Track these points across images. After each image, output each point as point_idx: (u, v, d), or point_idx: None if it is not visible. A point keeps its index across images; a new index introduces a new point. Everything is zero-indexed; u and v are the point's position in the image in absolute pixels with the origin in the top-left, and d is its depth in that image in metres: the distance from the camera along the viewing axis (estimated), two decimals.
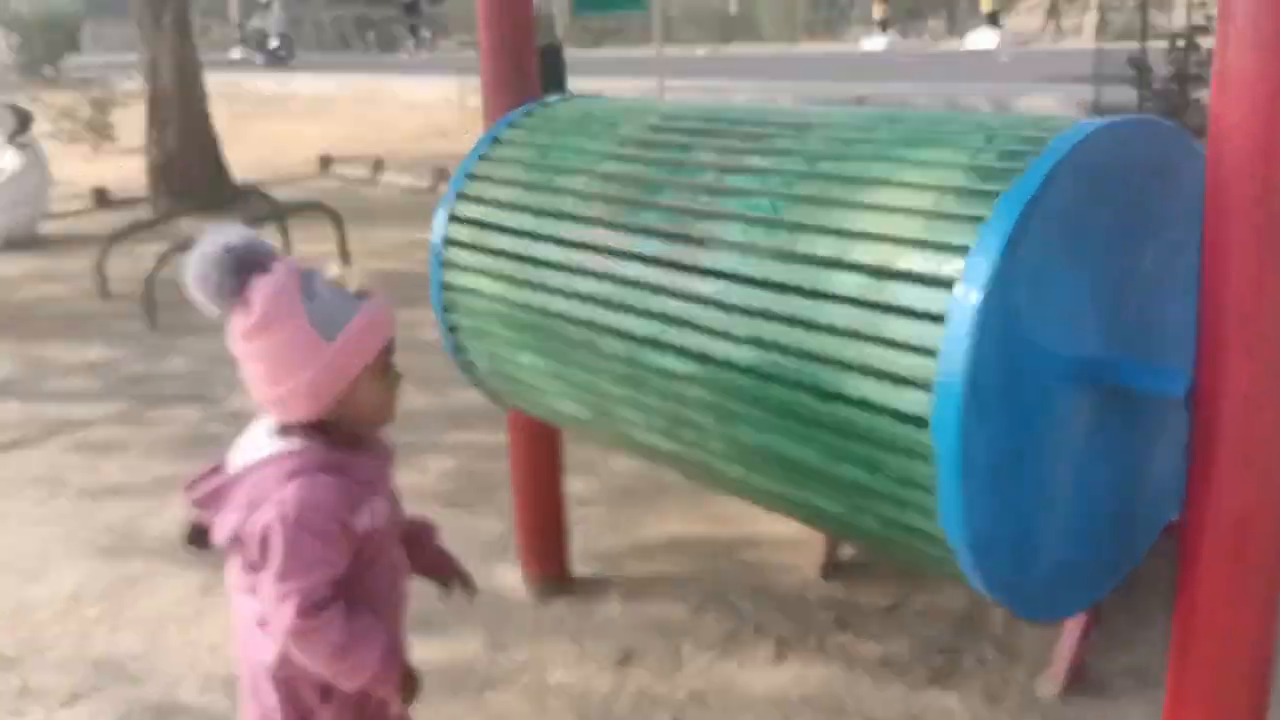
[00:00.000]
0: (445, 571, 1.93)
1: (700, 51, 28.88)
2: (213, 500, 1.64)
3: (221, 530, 1.62)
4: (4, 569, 3.32)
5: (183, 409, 4.69)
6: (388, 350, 1.65)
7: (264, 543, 1.56)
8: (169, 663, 2.78)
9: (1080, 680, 2.52)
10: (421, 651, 2.75)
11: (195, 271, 1.57)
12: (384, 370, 1.65)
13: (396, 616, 1.76)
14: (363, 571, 1.65)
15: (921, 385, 1.51)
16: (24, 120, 8.52)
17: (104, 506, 3.75)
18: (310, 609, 1.54)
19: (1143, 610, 2.79)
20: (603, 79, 14.22)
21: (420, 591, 3.01)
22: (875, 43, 26.30)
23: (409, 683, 1.69)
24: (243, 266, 1.56)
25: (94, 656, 2.84)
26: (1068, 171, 1.51)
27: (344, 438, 1.66)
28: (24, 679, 2.75)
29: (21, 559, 3.39)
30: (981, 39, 24.47)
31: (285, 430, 1.65)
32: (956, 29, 29.53)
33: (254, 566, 1.59)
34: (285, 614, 1.54)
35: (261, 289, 1.56)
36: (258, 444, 1.66)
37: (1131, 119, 1.68)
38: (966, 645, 2.71)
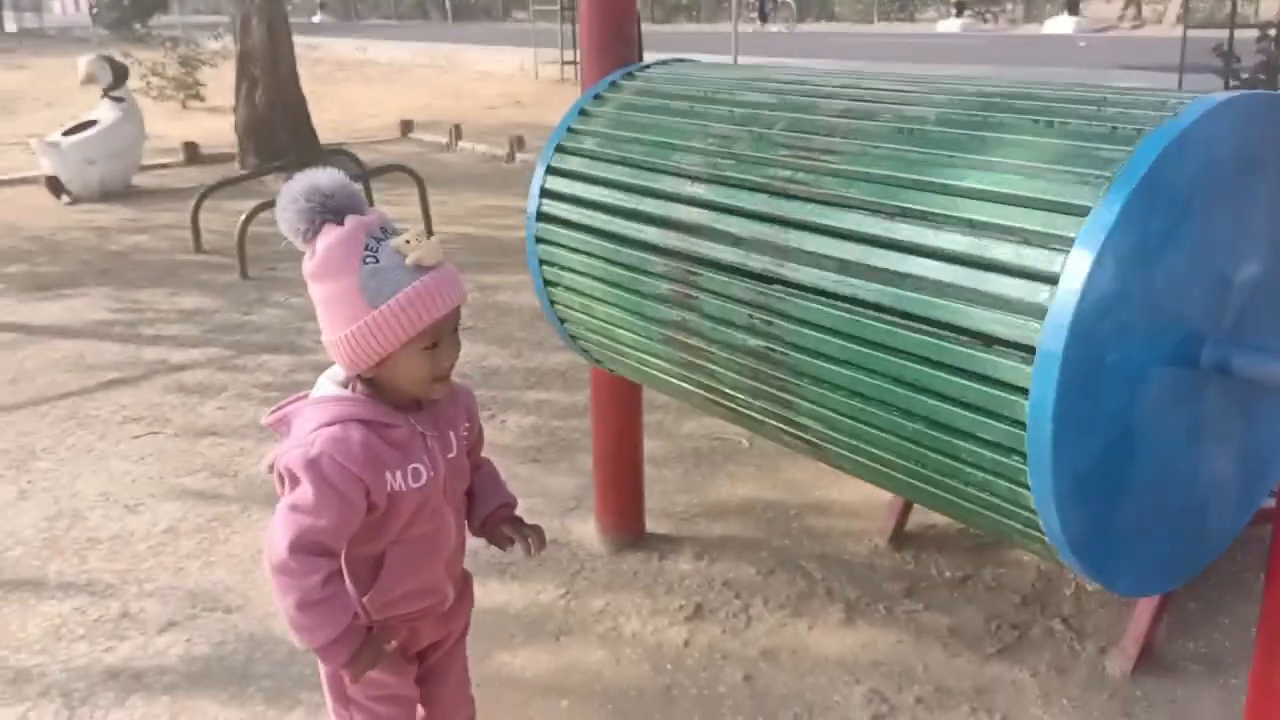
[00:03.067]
0: (502, 544, 1.91)
1: (774, 29, 28.59)
2: (279, 426, 1.70)
3: (267, 459, 1.68)
4: (105, 502, 3.50)
5: (273, 357, 4.87)
6: (439, 327, 1.62)
7: (285, 478, 1.62)
8: (261, 596, 2.91)
9: (1150, 660, 2.54)
10: (501, 596, 2.89)
11: (280, 204, 1.61)
12: (434, 346, 1.63)
13: (434, 571, 1.78)
14: (395, 526, 1.68)
15: (1023, 349, 1.52)
16: (120, 74, 8.77)
17: (200, 446, 3.92)
18: (301, 549, 1.56)
19: (1215, 596, 2.80)
20: (677, 55, 14.12)
21: None
22: (950, 25, 25.87)
23: (360, 660, 1.65)
24: (317, 212, 1.58)
25: (189, 587, 2.98)
26: (1188, 143, 1.49)
27: (398, 398, 1.68)
28: (124, 606, 2.90)
29: (121, 492, 3.56)
30: (1059, 24, 23.92)
31: (348, 377, 1.69)
32: (1034, 13, 28.90)
33: (280, 498, 1.64)
34: (278, 544, 1.57)
35: (326, 239, 1.57)
36: (322, 384, 1.72)
37: (1254, 94, 1.66)
38: (1035, 620, 2.74)
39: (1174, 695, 2.45)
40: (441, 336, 1.64)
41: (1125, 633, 2.58)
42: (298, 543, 1.57)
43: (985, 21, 28.48)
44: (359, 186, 1.67)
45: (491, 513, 1.90)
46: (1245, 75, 6.20)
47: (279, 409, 1.71)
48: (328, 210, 1.58)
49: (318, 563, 1.58)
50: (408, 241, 1.59)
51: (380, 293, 1.56)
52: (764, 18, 29.45)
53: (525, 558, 1.89)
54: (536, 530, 1.89)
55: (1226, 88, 6.09)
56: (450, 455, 1.75)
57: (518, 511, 1.93)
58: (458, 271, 1.65)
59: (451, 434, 1.77)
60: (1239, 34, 6.37)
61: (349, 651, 1.63)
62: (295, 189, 1.58)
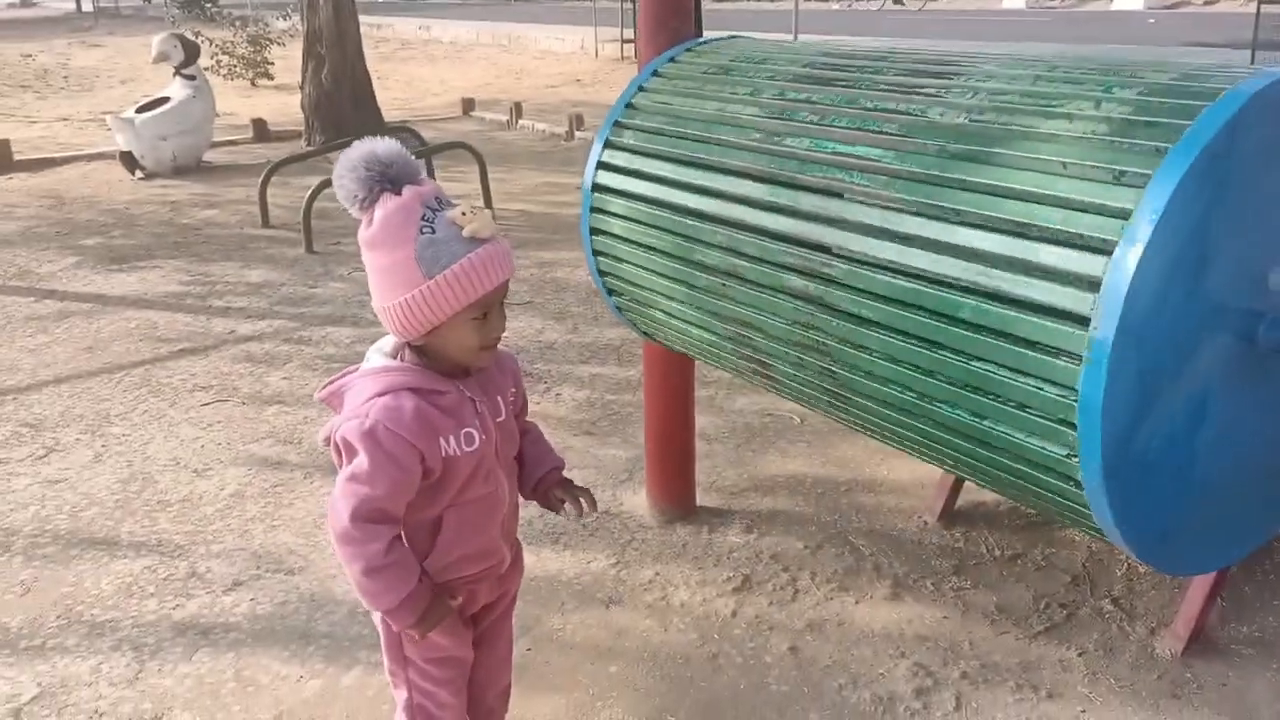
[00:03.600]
0: (555, 507, 1.96)
1: (835, 6, 28.23)
2: (332, 400, 1.75)
3: (323, 431, 1.73)
4: (174, 465, 3.63)
5: (337, 329, 4.98)
6: (490, 299, 1.64)
7: (342, 449, 1.66)
8: (322, 559, 3.01)
9: (1201, 643, 2.52)
10: (554, 564, 2.95)
11: (338, 171, 1.63)
12: (483, 317, 1.65)
13: (490, 533, 1.83)
14: (451, 490, 1.72)
15: (1077, 320, 1.52)
16: (192, 52, 8.97)
17: (266, 414, 4.04)
18: (362, 517, 1.62)
19: (1270, 580, 2.76)
20: (735, 32, 14.06)
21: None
22: (1016, 2, 25.37)
23: (430, 618, 1.71)
24: (375, 180, 1.60)
25: (254, 549, 3.09)
26: (1259, 107, 1.48)
27: (447, 365, 1.71)
28: (192, 565, 3.01)
29: (190, 457, 3.69)
30: (1129, 0, 23.33)
31: (397, 347, 1.74)
32: None
33: (339, 469, 1.69)
34: (340, 514, 1.62)
35: (383, 208, 1.59)
36: (372, 356, 1.76)
37: None
38: (1084, 599, 2.73)
39: (1225, 678, 2.43)
40: (491, 308, 1.67)
41: (1176, 614, 2.56)
42: (359, 512, 1.62)
43: None
44: (416, 158, 1.70)
45: (543, 476, 1.95)
46: None
47: (331, 383, 1.76)
48: (386, 179, 1.61)
49: (379, 530, 1.64)
50: (464, 214, 1.62)
51: (436, 262, 1.59)
52: None
53: (577, 521, 1.93)
54: (586, 493, 1.93)
55: None
56: (500, 419, 1.80)
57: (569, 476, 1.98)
58: (509, 245, 1.69)
59: (499, 399, 1.81)
60: None
61: (417, 612, 1.69)
62: (354, 156, 1.61)
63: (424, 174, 1.68)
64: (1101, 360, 1.48)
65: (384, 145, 1.63)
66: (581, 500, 1.93)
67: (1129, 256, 1.46)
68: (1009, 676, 2.46)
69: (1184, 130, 1.49)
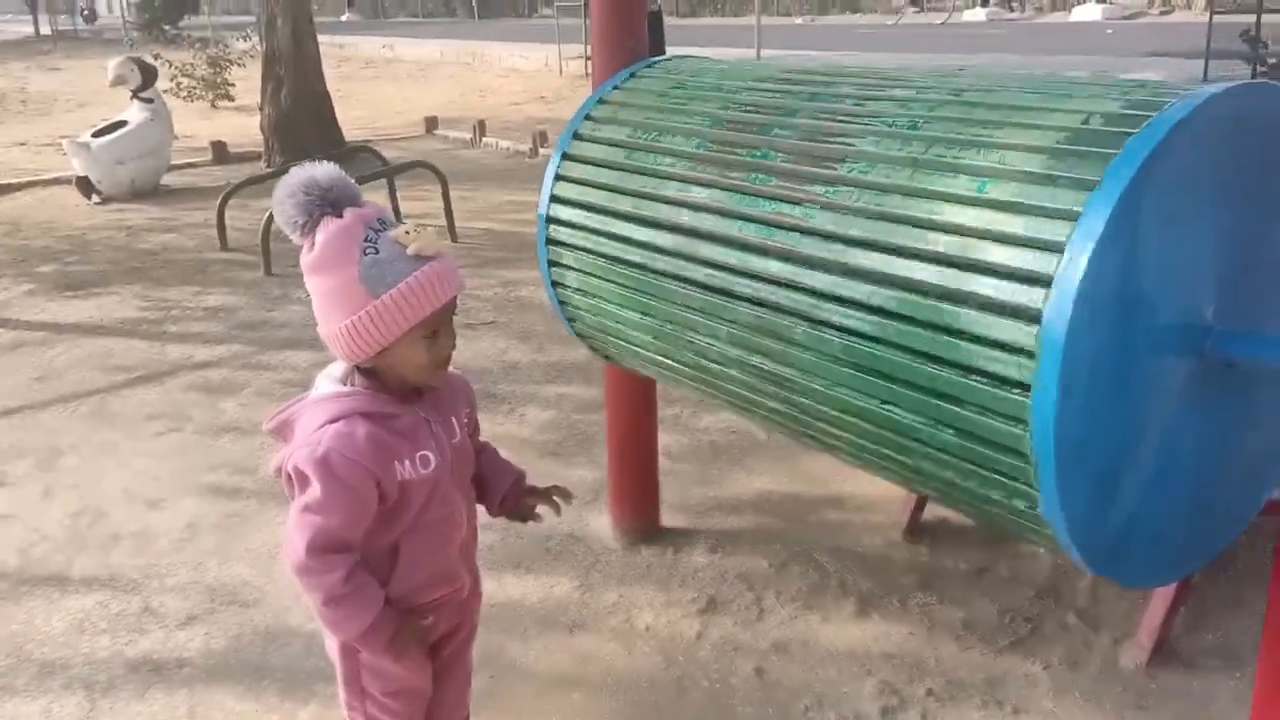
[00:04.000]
0: (526, 516, 1.96)
1: (798, 21, 28.47)
2: (282, 430, 1.72)
3: (274, 462, 1.70)
4: (127, 498, 3.55)
5: (295, 353, 4.92)
6: (439, 317, 1.63)
7: (294, 479, 1.63)
8: (278, 591, 2.95)
9: (1165, 654, 2.52)
10: (516, 590, 2.91)
11: (277, 197, 1.62)
12: (433, 335, 1.64)
13: (449, 556, 1.80)
14: (408, 515, 1.70)
15: (1023, 351, 1.51)
16: (150, 75, 8.87)
17: (222, 442, 3.97)
18: (318, 548, 1.59)
19: (1233, 589, 2.77)
20: (699, 48, 14.14)
21: (514, 533, 3.16)
22: (976, 14, 25.73)
23: (400, 640, 1.69)
24: (315, 205, 1.59)
25: (209, 582, 3.03)
26: (1185, 134, 1.47)
27: (399, 387, 1.69)
28: (145, 601, 2.95)
29: (143, 489, 3.61)
30: (1087, 11, 23.74)
31: (346, 372, 1.72)
32: (1062, 1, 28.65)
33: (291, 499, 1.66)
34: (296, 546, 1.59)
35: (325, 231, 1.58)
36: (321, 384, 1.73)
37: (1255, 84, 1.64)
38: (1049, 613, 2.72)
39: (1189, 688, 2.43)
40: (441, 325, 1.65)
41: (1140, 625, 2.55)
42: (314, 543, 1.59)
43: (1011, 10, 28.20)
44: (378, 178, 1.68)
45: (508, 490, 1.93)
46: (1273, 60, 6.10)
47: (279, 413, 1.72)
48: (325, 203, 1.59)
49: (337, 559, 1.61)
50: (408, 232, 1.61)
51: (381, 282, 1.57)
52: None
53: (558, 516, 1.93)
54: (557, 489, 1.94)
55: (1254, 74, 5.99)
56: (455, 440, 1.78)
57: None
58: (455, 262, 1.67)
59: (454, 419, 1.79)
60: (1267, 19, 6.25)
61: (385, 637, 1.66)
62: (292, 182, 1.60)
63: (363, 197, 1.66)
64: (1049, 387, 1.47)
65: (322, 169, 1.61)
66: (555, 498, 1.93)
67: (1070, 282, 1.45)
68: (975, 693, 2.44)
69: (1112, 159, 1.49)
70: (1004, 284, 1.55)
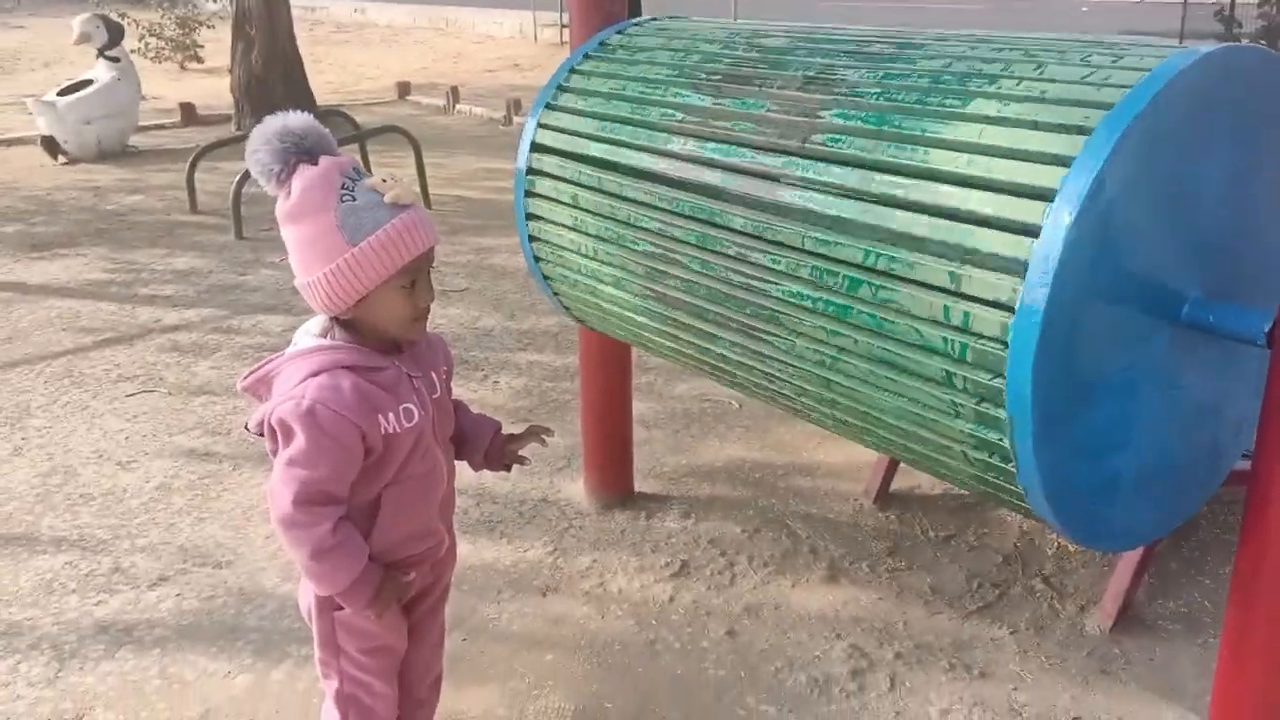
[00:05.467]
0: (508, 462, 1.98)
1: None
2: (258, 388, 1.71)
3: (255, 417, 1.69)
4: (98, 458, 3.52)
5: (268, 317, 4.88)
6: (417, 266, 1.63)
7: (278, 433, 1.63)
8: (252, 552, 2.94)
9: (1129, 619, 2.57)
10: (490, 553, 2.92)
11: (251, 145, 1.60)
12: (411, 285, 1.64)
13: (429, 512, 1.81)
14: (391, 468, 1.70)
15: (1003, 307, 1.53)
16: (116, 33, 8.71)
17: (194, 404, 3.94)
18: (305, 500, 1.59)
19: (1195, 557, 2.82)
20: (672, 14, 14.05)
21: (488, 498, 3.17)
22: None
23: (383, 595, 1.69)
24: (291, 152, 1.58)
25: (180, 543, 3.01)
26: (1171, 95, 1.47)
27: (378, 341, 1.69)
28: (115, 561, 2.93)
29: (114, 449, 3.58)
30: None
31: (326, 327, 1.71)
32: None
33: (275, 455, 1.65)
34: (282, 500, 1.59)
35: (301, 178, 1.58)
36: (300, 339, 1.73)
37: (1244, 48, 1.64)
38: (1016, 579, 2.76)
39: (1152, 654, 2.48)
40: (419, 275, 1.65)
41: (1105, 591, 2.60)
42: (301, 495, 1.59)
43: None
44: (349, 142, 1.68)
45: (490, 441, 1.95)
46: (1246, 40, 6.15)
47: (255, 371, 1.71)
48: (301, 150, 1.58)
49: (324, 512, 1.61)
50: (384, 180, 1.61)
51: (360, 229, 1.57)
52: None
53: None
54: (535, 427, 1.99)
55: None
56: (435, 395, 1.79)
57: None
58: (429, 214, 1.67)
59: (434, 374, 1.80)
60: None
61: (370, 590, 1.67)
62: (268, 130, 1.59)
63: (337, 146, 1.65)
64: (1029, 338, 1.48)
65: (296, 118, 1.60)
66: (540, 436, 1.98)
67: (1055, 237, 1.46)
68: (942, 656, 2.48)
69: (1106, 111, 1.50)
70: (988, 233, 1.55)
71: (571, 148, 2.38)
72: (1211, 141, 1.63)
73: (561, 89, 2.49)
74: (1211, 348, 1.77)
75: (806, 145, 1.87)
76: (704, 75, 2.18)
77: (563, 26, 16.51)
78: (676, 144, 2.11)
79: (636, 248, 2.20)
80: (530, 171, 2.49)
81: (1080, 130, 1.52)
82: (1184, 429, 1.84)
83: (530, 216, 2.52)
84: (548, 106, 2.49)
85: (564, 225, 2.41)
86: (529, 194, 2.50)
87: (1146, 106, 1.48)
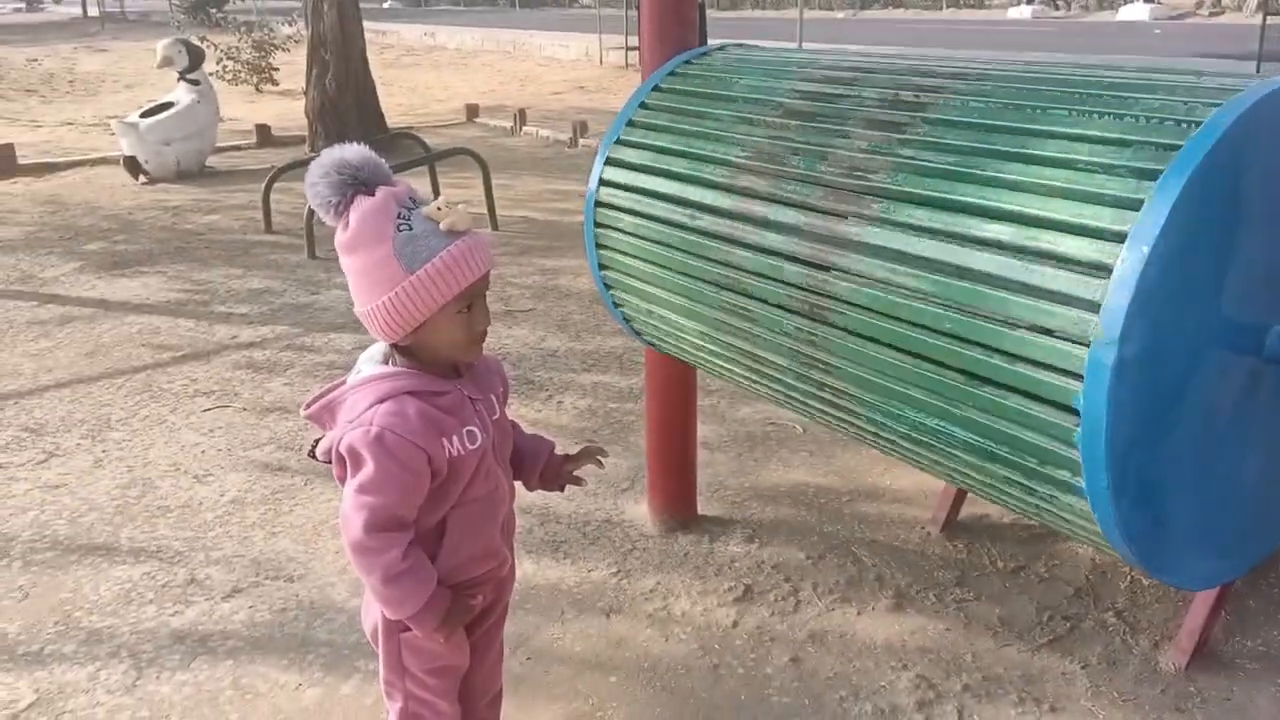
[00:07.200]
0: (563, 482, 1.99)
1: (840, 15, 28.30)
2: (322, 415, 1.74)
3: (323, 445, 1.72)
4: (174, 471, 3.62)
5: (339, 336, 4.98)
6: (473, 291, 1.65)
7: (347, 460, 1.65)
8: (322, 566, 3.00)
9: (1205, 656, 2.50)
10: (554, 573, 2.94)
11: (310, 179, 1.64)
12: (468, 310, 1.66)
13: (493, 533, 1.83)
14: (456, 491, 1.72)
15: (1077, 341, 1.51)
16: (197, 57, 8.98)
17: (267, 420, 4.03)
18: (376, 527, 1.62)
19: (1275, 594, 2.74)
20: (738, 41, 14.11)
21: (553, 518, 3.19)
22: (1021, 12, 25.47)
23: (452, 618, 1.72)
24: (348, 184, 1.62)
25: (254, 556, 3.08)
26: (1244, 130, 1.47)
27: (438, 365, 1.71)
28: (191, 572, 3.00)
29: (190, 463, 3.68)
30: (1134, 10, 23.44)
31: (388, 354, 1.74)
32: (1108, 0, 28.31)
33: (342, 481, 1.68)
34: (354, 526, 1.62)
35: (358, 210, 1.60)
36: (364, 366, 1.76)
37: None
38: (1088, 612, 2.71)
39: (1229, 692, 2.42)
40: (475, 300, 1.68)
41: (1180, 627, 2.54)
42: (372, 522, 1.62)
43: (1057, 8, 27.87)
44: (419, 164, 1.71)
45: (546, 462, 1.97)
46: None
47: (318, 399, 1.75)
48: (358, 182, 1.62)
49: (394, 537, 1.64)
50: (439, 208, 1.64)
51: (417, 257, 1.60)
52: None
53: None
54: (590, 447, 1.99)
55: None
56: (495, 417, 1.81)
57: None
58: (487, 237, 1.69)
59: (492, 395, 1.82)
60: None
61: (440, 613, 1.70)
62: (325, 163, 1.62)
63: (393, 176, 1.69)
64: (1103, 377, 1.47)
65: (352, 150, 1.64)
66: (596, 457, 1.97)
67: (1129, 276, 1.45)
68: (1011, 689, 2.44)
69: (1179, 149, 1.48)
70: (1062, 273, 1.54)
71: (640, 183, 2.41)
72: None
73: (632, 124, 2.53)
74: None
75: (876, 182, 1.87)
76: (773, 112, 2.20)
77: (628, 49, 16.66)
78: (745, 180, 2.13)
79: (705, 280, 2.22)
80: (599, 204, 2.53)
81: (1155, 165, 1.50)
82: (1265, 464, 1.80)
83: (600, 245, 2.55)
84: (618, 141, 2.53)
85: (632, 255, 2.44)
86: (599, 225, 2.54)
87: (1215, 145, 1.46)
